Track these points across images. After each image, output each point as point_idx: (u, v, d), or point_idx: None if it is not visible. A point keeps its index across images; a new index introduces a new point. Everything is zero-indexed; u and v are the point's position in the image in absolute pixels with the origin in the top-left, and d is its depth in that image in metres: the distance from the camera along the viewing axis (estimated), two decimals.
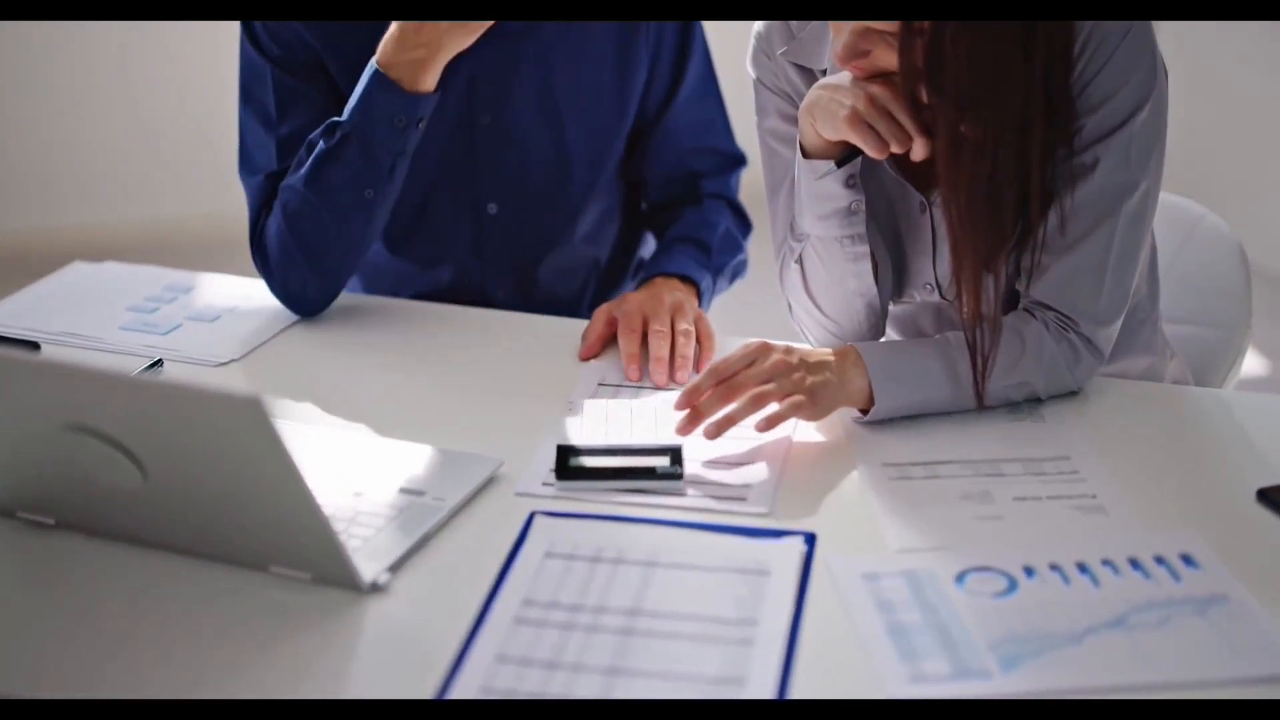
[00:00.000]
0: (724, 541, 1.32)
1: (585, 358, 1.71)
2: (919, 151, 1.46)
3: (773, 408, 1.47)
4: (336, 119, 1.73)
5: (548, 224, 1.97)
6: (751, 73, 1.69)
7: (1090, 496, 1.40)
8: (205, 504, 1.23)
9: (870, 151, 1.47)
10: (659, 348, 1.67)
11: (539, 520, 1.35)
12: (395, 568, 1.28)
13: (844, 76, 1.50)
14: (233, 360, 1.72)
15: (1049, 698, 1.11)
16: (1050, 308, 1.55)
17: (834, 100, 1.48)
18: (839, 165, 1.53)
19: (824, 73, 1.61)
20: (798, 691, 1.13)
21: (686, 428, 1.47)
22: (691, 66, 1.95)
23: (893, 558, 1.30)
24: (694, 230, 1.95)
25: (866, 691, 1.13)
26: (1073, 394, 1.60)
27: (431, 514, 1.35)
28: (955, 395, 1.53)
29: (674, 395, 1.60)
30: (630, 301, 1.74)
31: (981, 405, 1.53)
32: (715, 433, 1.46)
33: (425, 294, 2.00)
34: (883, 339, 1.70)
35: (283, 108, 1.81)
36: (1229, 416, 1.59)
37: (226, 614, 1.22)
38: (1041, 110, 1.43)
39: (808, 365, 1.48)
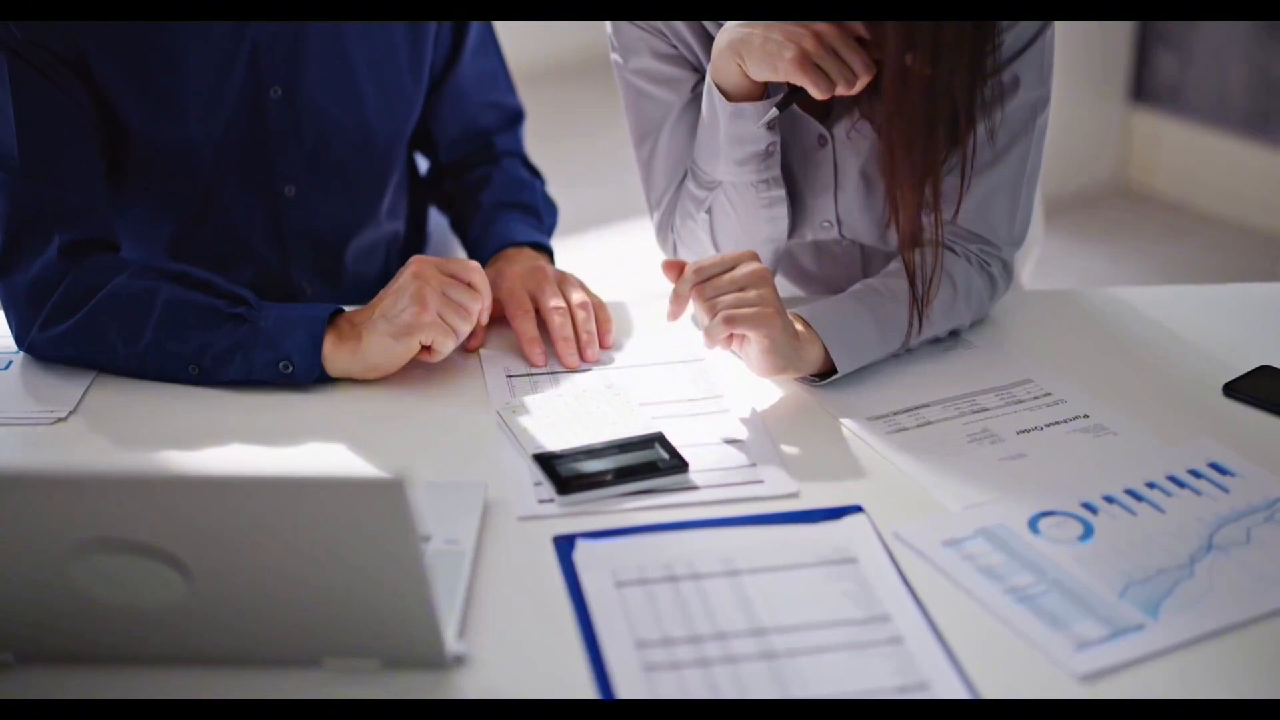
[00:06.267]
0: (788, 534, 1.22)
1: (475, 348, 1.55)
2: (859, 87, 1.39)
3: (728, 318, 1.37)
4: (247, 300, 1.50)
5: (352, 201, 1.76)
6: None
7: (1084, 417, 1.39)
8: (268, 600, 1.02)
9: (817, 93, 1.38)
10: (562, 327, 1.52)
11: (583, 547, 1.20)
12: (462, 632, 1.11)
13: None
14: (71, 413, 1.43)
15: (1206, 637, 1.10)
16: (971, 238, 1.52)
17: (771, 40, 1.37)
18: (781, 108, 1.43)
19: None
20: (982, 680, 1.06)
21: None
22: None
23: (957, 519, 1.25)
24: (513, 194, 1.79)
25: (1042, 666, 1.08)
26: None
27: (457, 561, 1.18)
28: (895, 345, 1.48)
29: (616, 374, 1.49)
30: (511, 279, 1.58)
31: (910, 342, 1.48)
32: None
33: None
34: None
35: (21, 107, 1.51)
36: (1137, 314, 1.61)
37: None
38: (968, 27, 1.39)
39: (777, 298, 1.40)
